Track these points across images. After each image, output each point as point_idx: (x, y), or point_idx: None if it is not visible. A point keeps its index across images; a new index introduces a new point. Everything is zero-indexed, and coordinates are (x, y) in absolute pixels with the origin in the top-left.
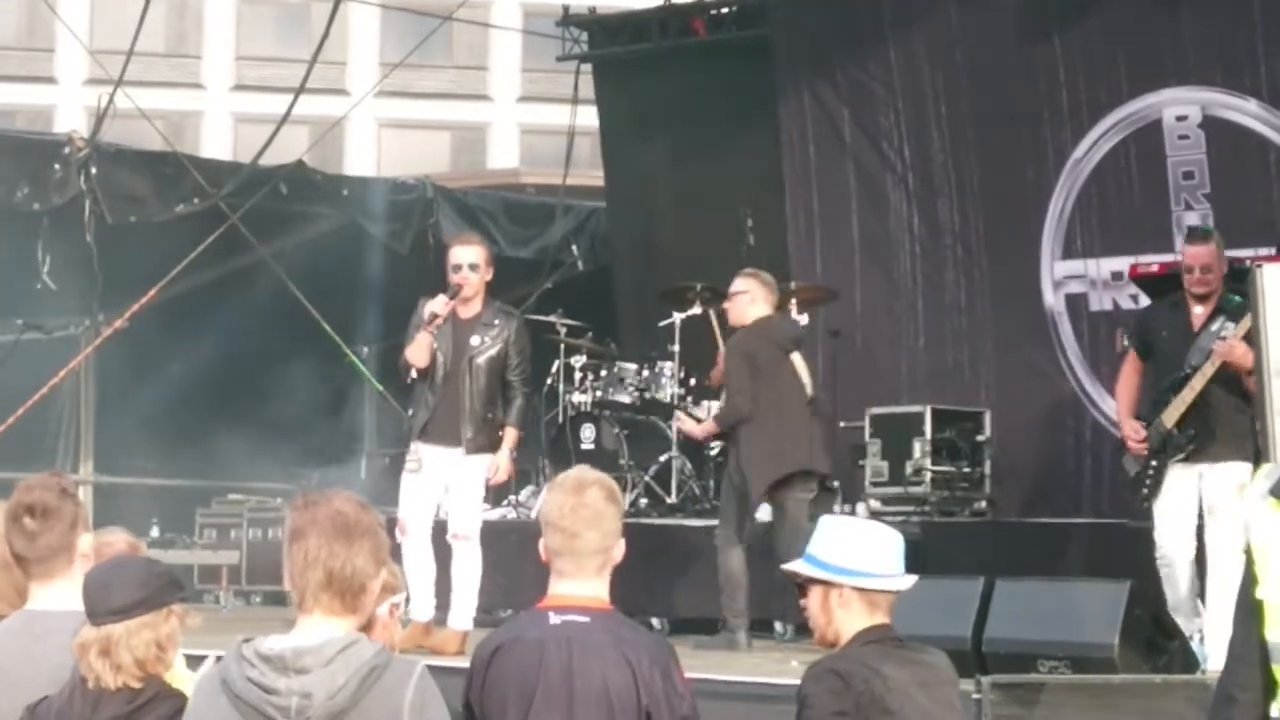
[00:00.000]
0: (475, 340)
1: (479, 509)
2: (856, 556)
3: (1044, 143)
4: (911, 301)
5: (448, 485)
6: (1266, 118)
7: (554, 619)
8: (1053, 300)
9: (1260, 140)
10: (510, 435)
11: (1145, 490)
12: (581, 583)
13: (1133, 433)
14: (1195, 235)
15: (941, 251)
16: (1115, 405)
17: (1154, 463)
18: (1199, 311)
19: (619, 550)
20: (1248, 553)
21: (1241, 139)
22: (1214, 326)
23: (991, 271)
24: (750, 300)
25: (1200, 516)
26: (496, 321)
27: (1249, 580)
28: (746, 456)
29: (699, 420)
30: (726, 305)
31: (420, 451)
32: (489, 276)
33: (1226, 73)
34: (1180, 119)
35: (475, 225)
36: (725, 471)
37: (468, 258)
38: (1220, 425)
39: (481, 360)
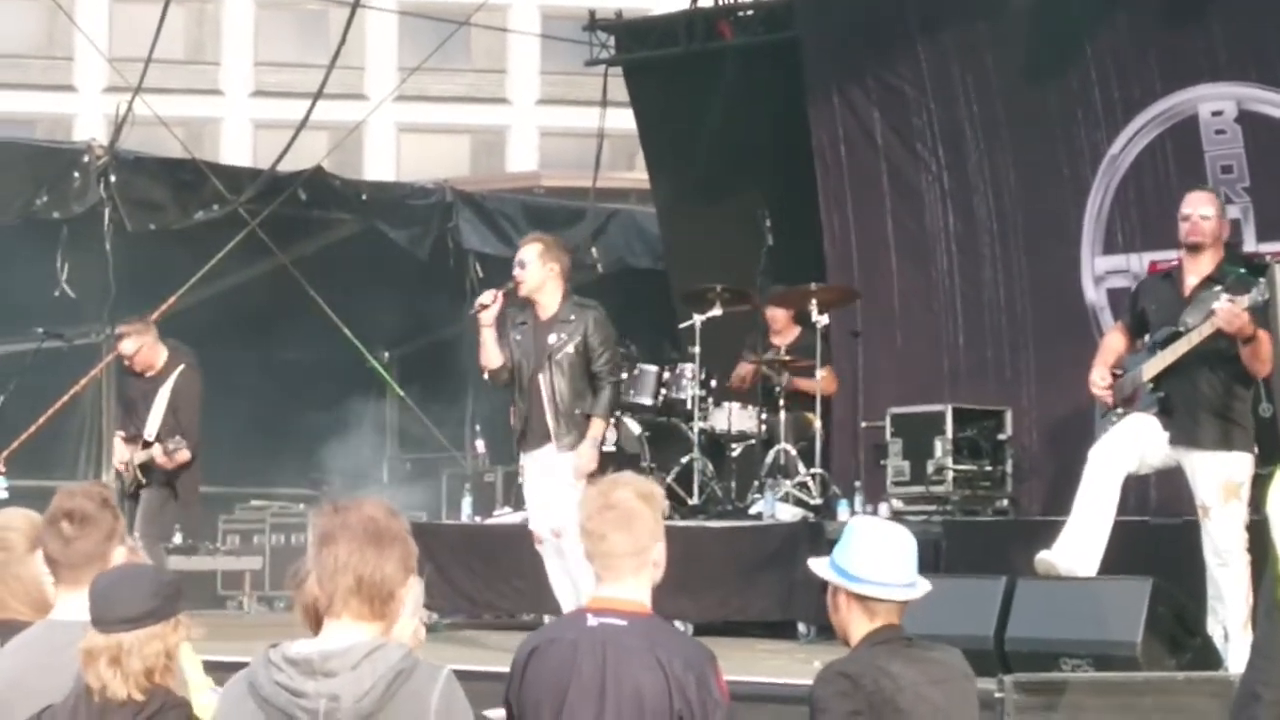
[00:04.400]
0: (553, 339)
1: (566, 507)
2: (859, 561)
3: (1079, 140)
4: (950, 300)
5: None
6: None
7: (591, 621)
8: (1094, 295)
9: None
10: (594, 425)
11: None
12: (619, 585)
13: (1099, 378)
14: (1195, 186)
15: (979, 250)
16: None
17: (1120, 410)
18: (1193, 281)
19: (657, 552)
20: (1271, 554)
21: (1279, 133)
22: (1207, 293)
23: (1030, 269)
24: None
25: (1151, 469)
26: (572, 317)
27: (1274, 581)
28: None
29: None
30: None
31: (523, 461)
32: (554, 274)
33: (1260, 68)
34: (1216, 114)
35: (494, 229)
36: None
37: (520, 254)
38: (1202, 410)
39: (560, 357)
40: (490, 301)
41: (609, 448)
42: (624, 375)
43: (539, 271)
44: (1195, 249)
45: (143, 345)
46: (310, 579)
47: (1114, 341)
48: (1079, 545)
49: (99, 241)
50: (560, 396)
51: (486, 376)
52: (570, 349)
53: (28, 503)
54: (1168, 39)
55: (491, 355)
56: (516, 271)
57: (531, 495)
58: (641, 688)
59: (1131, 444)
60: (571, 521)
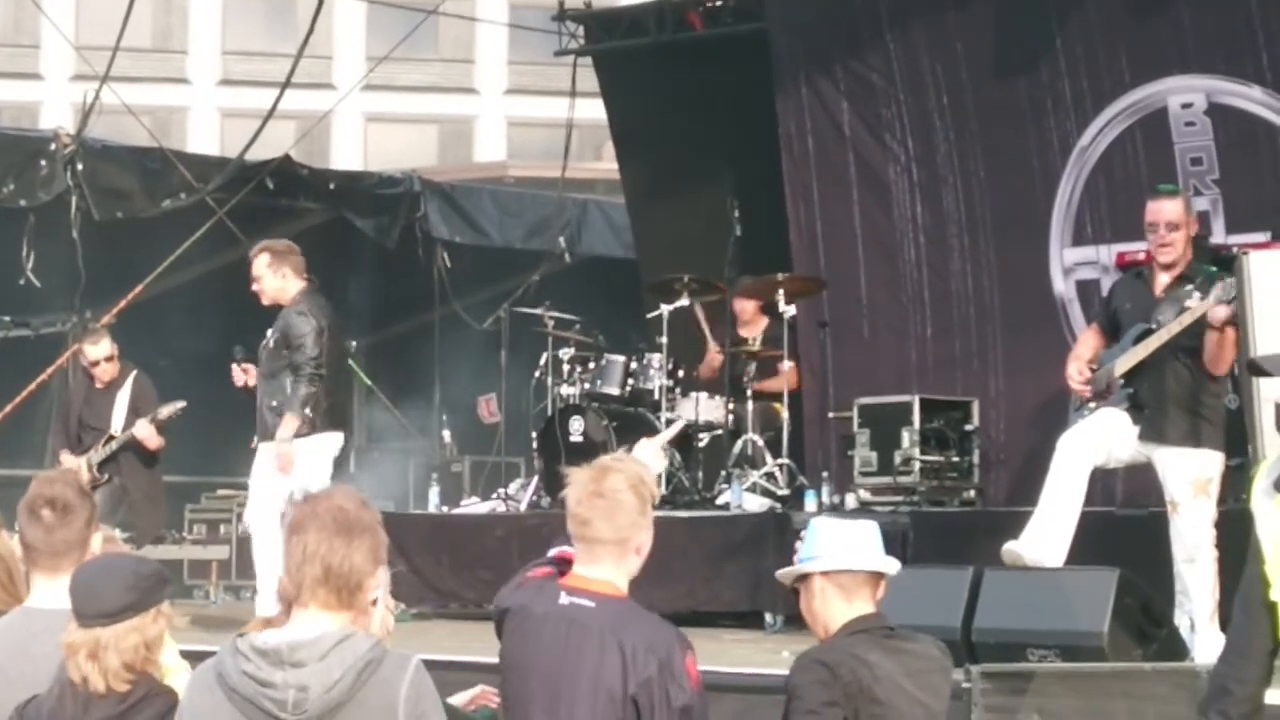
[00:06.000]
0: (268, 333)
1: (264, 496)
2: (824, 545)
3: (1049, 132)
4: (918, 291)
5: None
6: (1272, 104)
7: (563, 599)
8: (1063, 287)
9: (1268, 127)
10: (285, 422)
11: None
12: (596, 567)
13: (1076, 372)
14: (1160, 192)
15: (947, 241)
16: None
17: (1094, 404)
18: (1164, 280)
19: (639, 541)
20: (1255, 551)
21: (1248, 125)
22: (1179, 291)
23: (999, 260)
24: None
25: (1119, 463)
26: (282, 316)
27: (1256, 580)
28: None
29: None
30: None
31: None
32: (288, 277)
33: (1228, 61)
34: (1186, 106)
35: (463, 218)
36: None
37: (252, 269)
38: (1173, 406)
39: (262, 353)
40: (244, 382)
41: (576, 438)
42: (320, 372)
43: (272, 280)
44: (1168, 265)
45: (114, 351)
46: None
47: (1089, 338)
48: (1046, 536)
49: (65, 230)
50: (261, 393)
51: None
52: (270, 344)
53: None
54: (1137, 31)
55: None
56: (254, 286)
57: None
58: (599, 668)
59: (1100, 437)
60: (258, 514)
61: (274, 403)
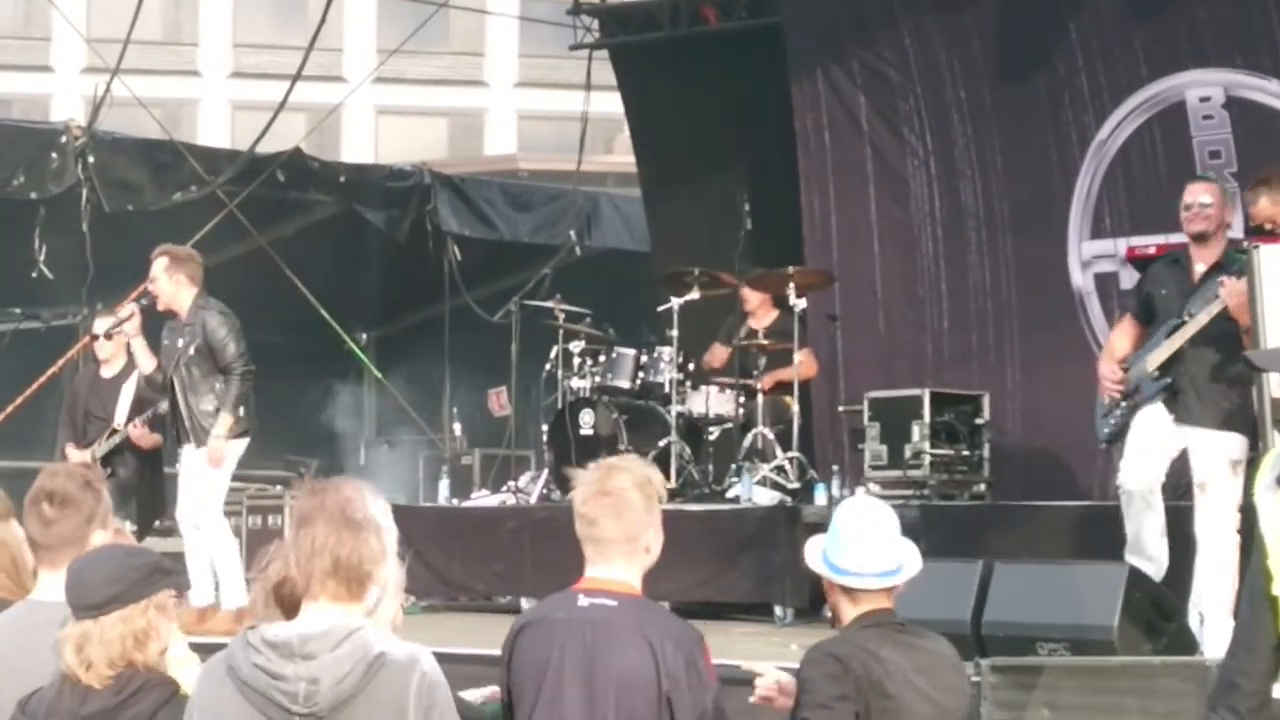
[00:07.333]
0: (180, 343)
1: (204, 498)
2: (839, 551)
3: (1066, 125)
4: (934, 284)
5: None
6: None
7: (583, 601)
8: (1081, 280)
9: None
10: (220, 419)
11: (1108, 431)
12: (609, 567)
13: (1109, 371)
14: (1196, 177)
15: (965, 234)
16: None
17: (1125, 404)
18: (1201, 269)
19: (649, 540)
20: (1259, 545)
21: (1267, 119)
22: (1213, 281)
23: (1016, 253)
24: None
25: (1178, 471)
26: (193, 320)
27: (1259, 573)
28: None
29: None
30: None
31: (180, 453)
32: (183, 283)
33: (1245, 54)
34: (1204, 100)
35: (473, 211)
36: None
37: (151, 269)
38: (1205, 388)
39: (185, 360)
40: (129, 316)
41: (586, 431)
42: (250, 368)
43: (167, 283)
44: (1200, 238)
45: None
46: (272, 565)
47: (1123, 332)
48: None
49: (76, 222)
50: (188, 399)
51: (145, 381)
52: (192, 351)
53: (6, 483)
54: (1152, 25)
55: (142, 362)
56: (149, 286)
57: (180, 485)
58: (629, 668)
59: (1147, 449)
60: (202, 517)
61: (210, 407)
